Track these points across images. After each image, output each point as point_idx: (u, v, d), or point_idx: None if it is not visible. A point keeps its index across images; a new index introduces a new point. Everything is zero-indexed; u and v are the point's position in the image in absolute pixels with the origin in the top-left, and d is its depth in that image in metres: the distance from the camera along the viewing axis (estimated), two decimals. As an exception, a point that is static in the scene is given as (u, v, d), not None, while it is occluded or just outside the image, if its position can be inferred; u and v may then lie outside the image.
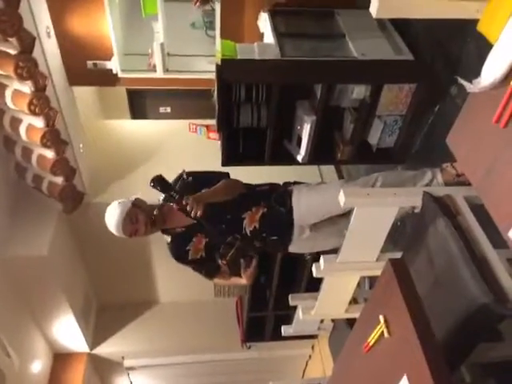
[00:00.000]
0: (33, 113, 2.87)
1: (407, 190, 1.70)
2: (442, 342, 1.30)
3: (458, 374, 1.54)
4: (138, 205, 1.97)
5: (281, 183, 2.25)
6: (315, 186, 2.21)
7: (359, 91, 2.36)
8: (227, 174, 2.20)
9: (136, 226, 1.94)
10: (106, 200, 3.88)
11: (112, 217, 1.93)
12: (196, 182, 2.07)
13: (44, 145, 3.07)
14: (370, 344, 1.31)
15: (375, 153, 2.71)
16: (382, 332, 1.24)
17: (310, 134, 2.56)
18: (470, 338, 1.33)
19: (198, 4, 1.92)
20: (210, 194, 1.96)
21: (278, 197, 2.13)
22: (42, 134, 3.02)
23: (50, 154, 3.19)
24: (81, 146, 3.63)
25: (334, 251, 1.94)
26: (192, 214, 1.79)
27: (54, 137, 3.10)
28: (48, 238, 3.53)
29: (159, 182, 1.82)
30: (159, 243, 2.11)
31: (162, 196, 2.07)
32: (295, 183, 2.24)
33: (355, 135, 2.58)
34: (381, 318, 1.24)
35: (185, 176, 2.10)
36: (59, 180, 3.37)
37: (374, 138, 2.62)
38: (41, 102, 2.88)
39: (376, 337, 1.27)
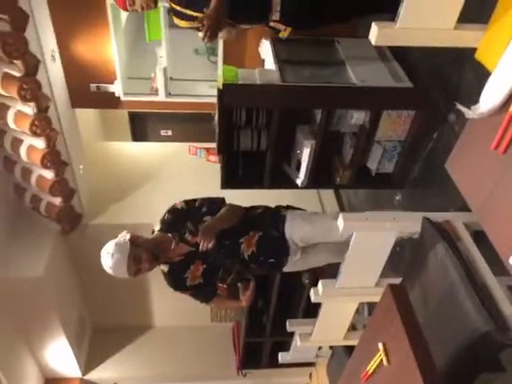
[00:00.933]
0: (34, 134, 2.90)
1: (406, 215, 1.69)
2: (442, 371, 1.27)
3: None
4: (136, 243, 1.93)
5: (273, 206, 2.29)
6: (308, 216, 2.25)
7: (358, 117, 2.38)
8: (223, 199, 2.22)
9: (140, 265, 1.90)
10: (104, 222, 3.90)
11: (113, 261, 1.88)
12: (197, 210, 2.11)
13: (44, 165, 3.08)
14: (369, 372, 1.28)
15: (374, 177, 2.72)
16: (381, 360, 1.22)
17: (309, 158, 2.57)
18: (472, 368, 1.29)
19: (205, 41, 2.01)
20: (216, 224, 1.98)
21: (272, 221, 2.17)
22: (42, 154, 3.04)
23: (49, 174, 3.19)
24: (81, 167, 3.64)
25: (332, 275, 1.93)
26: (203, 248, 1.84)
27: (54, 158, 3.11)
28: (44, 260, 3.50)
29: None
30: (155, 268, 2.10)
31: (157, 227, 2.07)
32: (288, 207, 2.29)
33: (354, 160, 2.59)
34: (380, 345, 1.22)
35: (183, 206, 2.13)
36: (57, 201, 3.37)
37: (373, 163, 2.63)
38: (42, 124, 2.90)
39: (375, 365, 1.24)
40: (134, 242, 1.92)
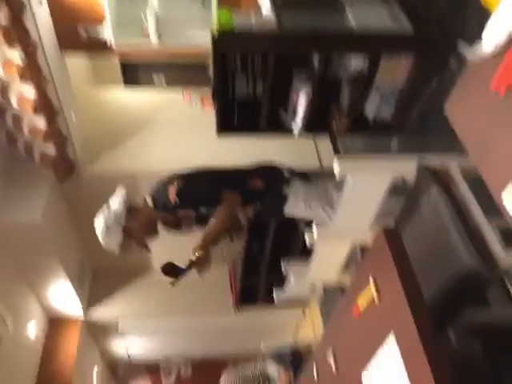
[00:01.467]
0: (24, 80, 2.82)
1: (402, 157, 1.73)
2: (431, 306, 1.36)
3: (444, 336, 1.61)
4: (128, 231, 1.97)
5: (272, 168, 2.21)
6: (312, 196, 2.11)
7: (357, 62, 2.35)
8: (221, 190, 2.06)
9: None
10: (99, 169, 3.89)
11: (104, 242, 1.97)
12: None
13: (35, 113, 3.03)
14: (360, 308, 1.36)
15: (371, 124, 2.72)
16: (373, 297, 1.29)
17: (305, 105, 2.55)
18: (458, 302, 1.39)
19: None
20: (212, 239, 1.98)
21: (272, 204, 2.15)
22: (32, 102, 2.98)
23: (41, 122, 3.14)
24: (73, 114, 3.58)
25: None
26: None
27: (45, 105, 3.05)
28: (41, 205, 3.52)
29: (172, 271, 1.96)
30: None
31: (149, 198, 2.06)
32: (291, 174, 2.18)
33: (352, 107, 2.57)
34: (370, 278, 1.28)
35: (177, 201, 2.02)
36: (51, 149, 3.34)
37: (370, 110, 2.62)
38: (31, 70, 2.82)
39: (366, 301, 1.32)
40: (127, 229, 1.96)
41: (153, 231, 2.07)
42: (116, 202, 1.97)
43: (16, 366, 4.09)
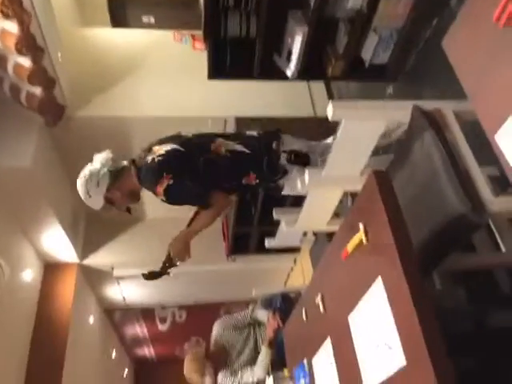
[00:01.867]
0: (5, 16, 2.68)
1: (397, 104, 1.68)
2: (417, 248, 1.36)
3: (429, 280, 1.64)
4: (110, 199, 1.94)
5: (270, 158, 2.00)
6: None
7: (356, 0, 2.23)
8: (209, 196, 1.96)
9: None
10: (89, 114, 3.81)
11: (88, 201, 1.93)
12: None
13: (19, 52, 2.90)
14: (349, 251, 1.37)
15: (367, 69, 2.64)
16: (361, 239, 1.29)
17: (301, 47, 2.46)
18: (445, 246, 1.39)
19: None
20: (193, 235, 1.99)
21: (267, 191, 2.10)
22: (16, 39, 2.84)
23: (26, 62, 3.03)
24: (59, 54, 3.44)
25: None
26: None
27: (29, 43, 2.92)
28: (30, 150, 3.46)
29: (152, 276, 2.01)
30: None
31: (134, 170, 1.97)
32: (290, 162, 2.01)
33: (348, 49, 2.48)
34: (360, 225, 1.28)
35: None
36: (38, 91, 3.24)
37: (367, 53, 2.53)
38: (13, 4, 2.67)
39: (355, 243, 1.32)
40: (108, 199, 1.93)
41: (135, 199, 2.04)
42: (100, 167, 1.89)
43: (13, 311, 4.19)
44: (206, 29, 2.33)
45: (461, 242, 1.38)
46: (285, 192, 2.14)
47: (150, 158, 1.89)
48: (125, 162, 1.98)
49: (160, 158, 1.87)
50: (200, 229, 2.01)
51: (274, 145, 1.99)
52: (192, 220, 2.10)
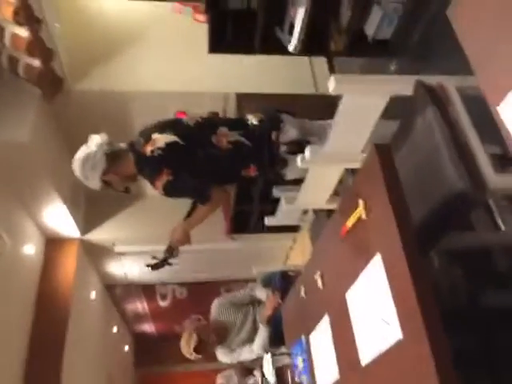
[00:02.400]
0: (1, -17, 2.61)
1: (399, 78, 1.64)
2: (417, 225, 1.35)
3: (427, 258, 1.63)
4: (107, 181, 1.93)
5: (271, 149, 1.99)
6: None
7: (360, -29, 2.17)
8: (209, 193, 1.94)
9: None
10: (88, 87, 3.75)
11: (86, 182, 1.93)
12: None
13: (17, 22, 2.85)
14: (348, 227, 1.36)
15: (371, 45, 2.58)
16: (360, 215, 1.28)
17: (303, 21, 2.39)
18: (444, 223, 1.38)
19: None
20: (193, 227, 2.02)
21: (268, 181, 2.14)
22: (13, 9, 2.79)
23: (23, 32, 2.97)
24: (57, 25, 3.37)
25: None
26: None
27: (26, 13, 2.86)
28: (29, 124, 3.41)
29: (155, 267, 2.07)
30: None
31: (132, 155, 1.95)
32: (290, 152, 2.01)
33: (352, 23, 2.42)
34: (360, 201, 1.27)
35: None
36: (36, 62, 3.19)
37: (371, 28, 2.47)
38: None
39: (354, 219, 1.31)
40: (106, 182, 1.93)
41: (132, 180, 2.03)
42: (95, 150, 1.86)
43: (15, 284, 4.22)
44: (207, 1, 2.27)
45: (460, 219, 1.37)
46: (288, 178, 2.15)
47: (149, 150, 1.87)
48: (122, 145, 1.95)
49: (160, 152, 1.85)
50: (198, 222, 2.04)
51: (273, 136, 1.97)
52: (190, 211, 2.11)
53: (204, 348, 2.50)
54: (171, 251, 2.07)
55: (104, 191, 2.01)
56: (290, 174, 2.12)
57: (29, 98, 3.51)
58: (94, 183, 1.91)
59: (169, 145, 1.86)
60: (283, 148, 1.98)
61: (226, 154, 1.92)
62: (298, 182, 2.46)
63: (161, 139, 1.88)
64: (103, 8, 4.14)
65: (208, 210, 2.00)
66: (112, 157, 1.89)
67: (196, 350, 2.47)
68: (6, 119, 3.38)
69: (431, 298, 0.99)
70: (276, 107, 2.13)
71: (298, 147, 1.98)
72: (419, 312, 0.95)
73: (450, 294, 1.66)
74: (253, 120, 2.05)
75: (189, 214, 2.12)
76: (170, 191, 1.89)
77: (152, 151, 1.85)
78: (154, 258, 2.13)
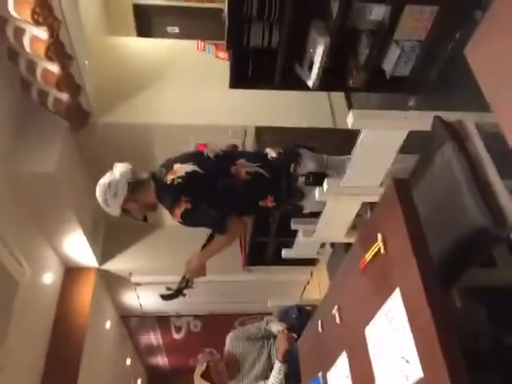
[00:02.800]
0: (36, 22, 2.77)
1: (418, 114, 1.66)
2: (436, 261, 1.33)
3: (448, 296, 1.60)
4: (127, 210, 1.98)
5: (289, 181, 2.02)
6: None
7: (378, 11, 2.23)
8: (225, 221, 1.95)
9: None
10: (113, 120, 3.89)
11: (106, 209, 1.97)
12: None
13: (48, 58, 3.00)
14: (366, 261, 1.35)
15: (389, 81, 2.63)
16: (379, 249, 1.27)
17: (322, 57, 2.46)
18: (465, 260, 1.36)
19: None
20: (209, 257, 2.04)
21: (286, 211, 2.20)
22: (46, 46, 2.94)
23: (54, 68, 3.12)
24: (86, 62, 3.53)
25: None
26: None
27: (58, 50, 3.01)
28: (55, 155, 3.53)
29: (169, 297, 2.08)
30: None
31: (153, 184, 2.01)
32: (308, 184, 2.01)
33: (370, 60, 2.47)
34: (379, 236, 1.26)
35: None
36: (64, 96, 3.33)
37: (389, 65, 2.52)
38: (44, 11, 2.76)
39: (372, 253, 1.30)
40: (125, 210, 1.98)
41: (152, 210, 2.07)
42: (119, 178, 1.92)
43: (33, 312, 4.25)
44: (229, 39, 2.37)
45: (481, 255, 1.35)
46: (306, 211, 2.16)
47: (169, 179, 1.91)
48: (144, 175, 2.01)
49: (180, 180, 1.89)
50: (214, 253, 2.04)
51: (291, 168, 2.01)
52: (207, 242, 2.12)
53: (210, 377, 2.45)
54: (186, 282, 2.06)
55: (122, 218, 2.04)
56: (308, 207, 2.13)
57: (56, 130, 3.65)
58: (114, 210, 1.95)
59: (188, 173, 1.90)
60: (301, 180, 1.99)
61: (244, 184, 1.94)
62: (315, 214, 2.47)
63: (181, 169, 1.92)
64: (129, 46, 4.35)
65: (225, 241, 2.00)
66: (134, 185, 1.94)
67: (203, 376, 2.44)
68: (34, 150, 3.51)
69: (452, 335, 0.97)
70: (295, 142, 2.16)
71: (315, 179, 1.98)
72: (440, 349, 0.93)
73: (473, 333, 1.61)
74: (272, 153, 2.08)
75: (204, 246, 2.13)
76: (188, 220, 1.89)
77: (172, 180, 1.89)
78: (169, 289, 2.13)
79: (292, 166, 2.01)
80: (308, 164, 2.05)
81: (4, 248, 3.37)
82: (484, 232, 1.24)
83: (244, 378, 2.62)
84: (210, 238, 2.10)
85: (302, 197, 2.03)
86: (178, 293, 2.08)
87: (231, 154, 2.11)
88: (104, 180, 1.94)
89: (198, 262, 2.05)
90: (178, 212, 1.86)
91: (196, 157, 2.03)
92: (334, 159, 2.11)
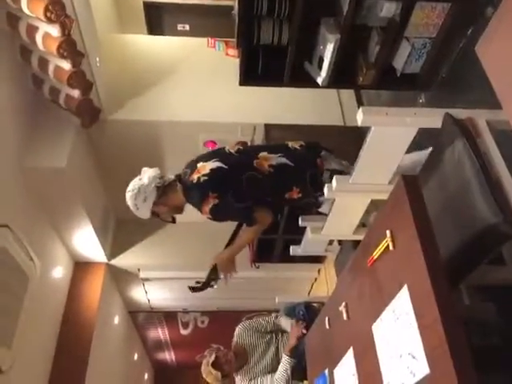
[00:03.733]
0: (49, 20, 2.80)
1: (428, 111, 1.65)
2: (446, 259, 1.33)
3: (457, 295, 1.60)
4: (156, 212, 2.03)
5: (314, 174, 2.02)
6: None
7: (389, 8, 2.22)
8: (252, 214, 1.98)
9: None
10: (124, 117, 3.92)
11: (136, 212, 2.03)
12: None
13: (61, 55, 3.02)
14: (375, 257, 1.35)
15: (399, 78, 2.61)
16: (388, 246, 1.27)
17: (332, 55, 2.46)
18: (474, 257, 1.36)
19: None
20: (237, 252, 2.06)
21: (306, 205, 2.15)
22: (58, 43, 2.97)
23: (66, 65, 3.15)
24: (97, 59, 3.56)
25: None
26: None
27: (70, 47, 3.04)
28: (66, 151, 3.57)
29: (198, 289, 2.10)
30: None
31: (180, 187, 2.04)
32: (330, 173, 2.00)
33: (380, 58, 2.46)
34: (387, 232, 1.26)
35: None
36: (76, 93, 3.36)
37: (399, 62, 2.50)
38: (56, 9, 2.79)
39: (381, 250, 1.31)
40: (154, 213, 2.03)
41: (179, 211, 2.12)
42: (148, 183, 1.97)
43: (43, 306, 4.31)
44: (240, 36, 2.37)
45: (490, 253, 1.34)
46: (322, 210, 2.16)
47: (195, 177, 1.94)
48: (171, 177, 2.06)
49: (205, 178, 1.92)
50: (244, 245, 2.08)
51: (318, 161, 2.03)
52: (234, 235, 2.16)
53: (220, 366, 2.50)
54: (215, 275, 2.07)
55: (151, 219, 2.10)
56: (326, 206, 2.13)
57: (67, 126, 3.69)
58: (144, 213, 2.01)
59: (213, 170, 1.94)
60: (326, 175, 2.01)
61: (268, 177, 1.96)
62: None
63: (205, 166, 1.96)
64: (140, 44, 4.37)
65: (253, 232, 2.04)
66: (162, 189, 1.99)
67: (213, 365, 2.49)
68: (45, 146, 3.56)
69: (460, 332, 0.97)
70: (316, 141, 2.19)
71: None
72: (447, 346, 0.93)
73: (481, 330, 1.61)
74: (294, 145, 2.10)
75: (229, 242, 2.16)
76: (217, 215, 1.94)
77: (198, 178, 1.93)
78: (198, 282, 2.15)
79: (318, 159, 2.03)
80: (331, 162, 2.07)
81: (15, 242, 3.42)
82: (494, 229, 1.23)
83: (251, 369, 2.65)
84: (235, 234, 2.15)
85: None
86: (206, 286, 2.09)
87: (253, 148, 2.16)
88: (134, 185, 2.00)
89: (228, 255, 2.07)
90: (207, 208, 1.91)
91: (218, 154, 2.07)
92: (349, 165, 2.10)
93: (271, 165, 1.97)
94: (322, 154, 2.08)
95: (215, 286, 2.12)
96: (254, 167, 1.97)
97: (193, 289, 2.12)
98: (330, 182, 1.90)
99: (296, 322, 2.66)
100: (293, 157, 2.01)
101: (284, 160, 1.99)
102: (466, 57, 2.31)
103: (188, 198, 2.00)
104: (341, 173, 1.97)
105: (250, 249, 4.85)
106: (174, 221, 2.16)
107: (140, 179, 2.00)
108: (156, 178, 1.99)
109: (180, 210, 2.10)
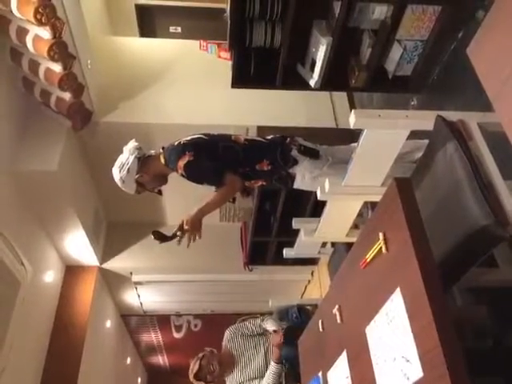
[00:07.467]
0: (39, 22, 2.77)
1: (420, 113, 1.66)
2: (438, 261, 1.33)
3: (450, 296, 1.60)
4: (141, 183, 2.13)
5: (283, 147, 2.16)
6: (320, 171, 2.14)
7: (380, 11, 2.23)
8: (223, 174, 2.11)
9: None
10: (115, 120, 3.90)
11: (125, 190, 2.15)
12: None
13: (51, 58, 3.00)
14: (368, 260, 1.35)
15: (391, 81, 2.63)
16: (380, 248, 1.27)
17: (324, 57, 2.47)
18: (467, 259, 1.36)
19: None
20: (206, 213, 2.08)
21: (279, 179, 2.22)
22: (49, 45, 2.94)
23: (57, 67, 3.12)
24: (88, 62, 3.54)
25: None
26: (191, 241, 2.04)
27: (61, 49, 3.01)
28: (58, 154, 3.54)
29: (161, 237, 2.11)
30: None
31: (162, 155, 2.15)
32: (301, 153, 2.15)
33: (372, 60, 2.48)
34: (380, 235, 1.26)
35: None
36: (67, 96, 3.33)
37: (391, 64, 2.52)
38: (47, 11, 2.76)
39: (374, 253, 1.30)
40: (139, 191, 2.16)
41: (163, 181, 2.24)
42: (128, 155, 2.10)
43: (34, 310, 4.25)
44: (232, 39, 2.37)
45: (483, 255, 1.34)
46: (296, 184, 2.19)
47: (176, 142, 2.14)
48: (152, 152, 2.20)
49: (185, 141, 2.12)
50: (213, 207, 2.12)
51: (287, 140, 2.19)
52: None
53: (204, 376, 2.53)
54: (181, 231, 2.07)
55: (139, 193, 2.20)
56: (299, 180, 2.17)
57: (59, 129, 3.66)
58: (130, 186, 2.12)
59: (194, 138, 2.13)
60: (296, 148, 2.15)
61: (242, 148, 2.15)
62: (317, 214, 2.46)
63: (188, 137, 2.16)
64: (132, 46, 4.35)
65: (222, 195, 2.13)
66: (142, 159, 2.12)
67: (196, 375, 2.52)
68: (36, 149, 3.52)
69: (453, 335, 0.97)
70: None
71: (308, 150, 2.16)
72: (440, 349, 0.93)
73: (475, 333, 1.61)
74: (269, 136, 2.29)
75: None
76: (190, 171, 2.06)
77: (179, 142, 2.12)
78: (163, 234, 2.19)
79: (288, 139, 2.20)
80: (303, 142, 2.22)
81: (5, 247, 3.38)
82: (486, 232, 1.23)
83: (241, 373, 2.63)
84: None
85: (296, 163, 2.14)
86: (169, 238, 2.10)
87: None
88: (116, 163, 2.13)
89: (196, 213, 2.09)
90: (182, 163, 2.03)
91: (201, 133, 2.24)
92: (329, 149, 2.22)
93: (247, 139, 2.19)
94: (294, 137, 2.23)
95: (179, 244, 2.12)
96: (231, 140, 2.17)
97: (157, 234, 2.12)
98: (299, 153, 2.07)
99: (273, 331, 2.66)
100: (267, 139, 2.23)
101: (259, 138, 2.25)
102: (457, 59, 2.32)
103: (168, 161, 2.11)
104: (311, 149, 2.13)
105: (244, 251, 4.84)
106: (160, 193, 2.28)
107: (121, 155, 2.13)
108: (135, 148, 2.11)
109: (163, 178, 2.21)
